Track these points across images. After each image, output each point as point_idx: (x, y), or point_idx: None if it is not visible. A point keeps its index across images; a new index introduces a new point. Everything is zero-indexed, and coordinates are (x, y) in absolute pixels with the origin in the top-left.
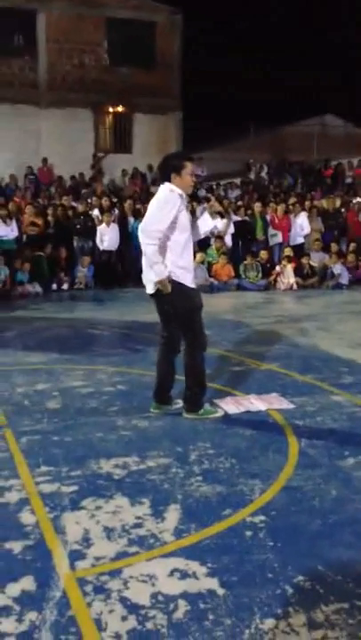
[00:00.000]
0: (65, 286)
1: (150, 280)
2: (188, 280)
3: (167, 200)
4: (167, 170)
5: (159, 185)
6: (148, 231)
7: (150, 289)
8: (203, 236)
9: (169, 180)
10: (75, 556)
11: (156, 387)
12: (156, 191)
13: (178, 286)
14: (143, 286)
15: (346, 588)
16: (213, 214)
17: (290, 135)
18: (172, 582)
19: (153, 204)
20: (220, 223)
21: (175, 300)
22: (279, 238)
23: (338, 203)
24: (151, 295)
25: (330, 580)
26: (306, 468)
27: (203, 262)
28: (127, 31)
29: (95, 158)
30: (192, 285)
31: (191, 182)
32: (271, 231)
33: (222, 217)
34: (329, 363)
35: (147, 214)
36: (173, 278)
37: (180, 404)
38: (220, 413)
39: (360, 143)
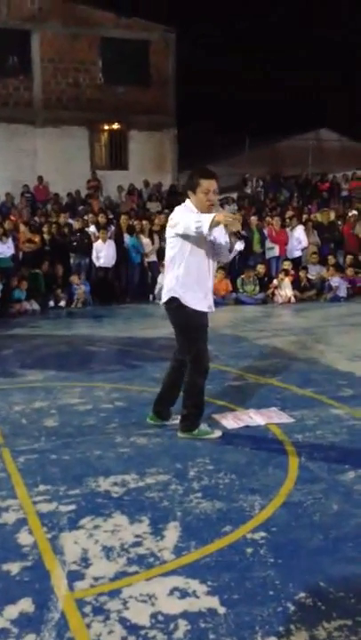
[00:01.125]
0: (62, 303)
1: (162, 290)
2: (191, 300)
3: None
4: (185, 188)
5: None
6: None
7: (163, 299)
8: (229, 257)
9: (189, 197)
10: (73, 577)
11: (157, 397)
12: (153, 208)
13: (179, 305)
14: (140, 302)
15: (348, 604)
16: (231, 235)
17: (285, 149)
18: (172, 602)
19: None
20: (238, 244)
21: (177, 317)
22: (276, 251)
23: (332, 216)
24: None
25: (332, 596)
26: (306, 482)
27: None
28: (121, 50)
29: (93, 175)
30: (196, 307)
31: (206, 202)
32: (268, 244)
33: (241, 238)
34: (328, 376)
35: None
36: (174, 295)
37: (178, 419)
38: (216, 434)
39: (355, 156)
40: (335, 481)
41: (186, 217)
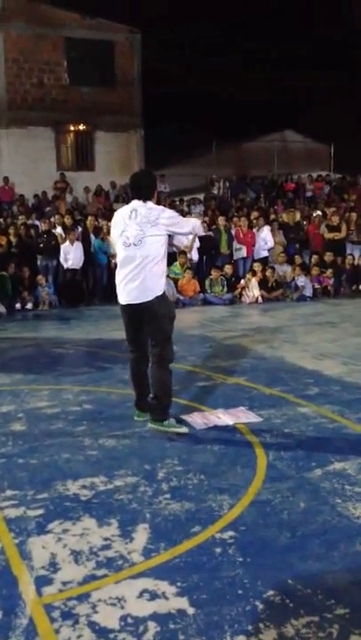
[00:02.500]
0: (29, 306)
1: (143, 289)
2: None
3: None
4: (152, 187)
5: (124, 202)
6: (190, 233)
7: (135, 299)
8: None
9: (151, 198)
10: (41, 582)
11: (136, 397)
12: (118, 208)
13: (164, 295)
14: (109, 303)
15: (315, 601)
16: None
17: (251, 150)
18: (142, 604)
19: (165, 220)
20: (185, 238)
21: (166, 307)
22: (244, 252)
23: (298, 216)
24: (130, 307)
25: (300, 593)
26: (274, 481)
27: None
28: (86, 51)
29: (61, 176)
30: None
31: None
32: (236, 245)
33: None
34: (295, 375)
35: (174, 227)
36: (163, 287)
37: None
38: (184, 429)
39: (319, 158)
40: (303, 479)
41: (184, 218)
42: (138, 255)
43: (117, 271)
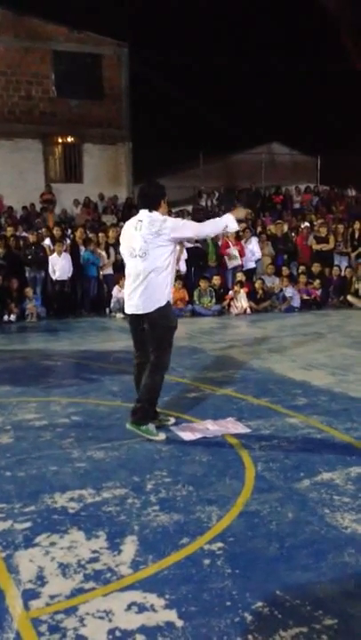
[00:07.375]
0: (15, 317)
1: (146, 300)
2: (171, 300)
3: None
4: (158, 197)
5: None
6: (197, 235)
7: (138, 310)
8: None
9: (157, 208)
10: (29, 596)
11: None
12: (108, 220)
13: (168, 305)
14: (97, 315)
15: (304, 612)
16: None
17: (238, 163)
18: (130, 617)
19: (166, 228)
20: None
21: (160, 318)
22: (239, 261)
23: (285, 228)
24: (135, 316)
25: (288, 604)
26: (262, 491)
27: None
28: (74, 63)
29: (47, 188)
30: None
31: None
32: (233, 252)
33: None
34: (283, 385)
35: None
36: (169, 299)
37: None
38: (160, 437)
39: (306, 170)
40: (291, 489)
41: (192, 223)
42: (142, 267)
43: (125, 282)
